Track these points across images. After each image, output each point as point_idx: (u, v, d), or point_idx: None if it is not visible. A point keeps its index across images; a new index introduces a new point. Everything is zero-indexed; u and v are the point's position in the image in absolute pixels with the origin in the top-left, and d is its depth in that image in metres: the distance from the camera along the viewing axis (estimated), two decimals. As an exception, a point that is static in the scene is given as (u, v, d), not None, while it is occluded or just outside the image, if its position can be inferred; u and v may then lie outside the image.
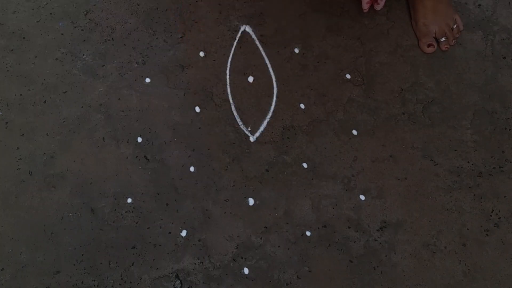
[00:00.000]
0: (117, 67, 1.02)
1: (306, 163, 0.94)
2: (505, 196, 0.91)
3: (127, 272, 0.86)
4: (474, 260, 0.86)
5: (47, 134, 0.96)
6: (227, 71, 1.01)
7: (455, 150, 0.95)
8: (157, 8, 1.08)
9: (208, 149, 0.95)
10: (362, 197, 0.91)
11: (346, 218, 0.90)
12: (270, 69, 1.01)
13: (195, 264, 0.87)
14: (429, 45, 1.01)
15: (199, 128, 0.97)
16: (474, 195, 0.91)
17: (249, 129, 0.97)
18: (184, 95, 1.00)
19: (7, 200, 0.91)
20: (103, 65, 1.02)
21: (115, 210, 0.91)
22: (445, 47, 1.02)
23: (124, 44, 1.04)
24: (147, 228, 0.89)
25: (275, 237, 0.89)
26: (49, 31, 1.06)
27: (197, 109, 0.98)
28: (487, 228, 0.89)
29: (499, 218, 0.89)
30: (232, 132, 0.97)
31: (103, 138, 0.96)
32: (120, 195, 0.92)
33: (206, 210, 0.91)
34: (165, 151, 0.95)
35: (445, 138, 0.96)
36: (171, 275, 0.86)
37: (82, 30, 1.06)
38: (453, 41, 1.02)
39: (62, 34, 1.05)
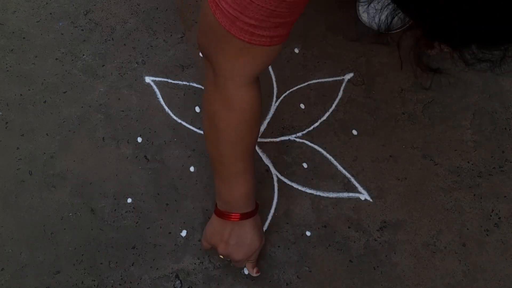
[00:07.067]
0: (117, 67, 1.02)
1: (306, 163, 0.94)
2: (505, 196, 0.91)
3: (127, 272, 0.86)
4: (474, 260, 0.86)
5: (47, 134, 0.96)
6: (227, 71, 1.01)
7: (455, 150, 0.95)
8: (157, 8, 1.08)
9: (208, 149, 0.95)
10: (362, 197, 0.91)
11: (346, 218, 0.90)
12: (270, 69, 1.01)
13: (195, 264, 0.87)
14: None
15: (199, 128, 0.97)
16: (474, 195, 0.91)
17: (249, 129, 0.97)
18: (184, 95, 1.00)
19: (7, 200, 0.91)
20: (103, 65, 1.02)
21: (115, 210, 0.91)
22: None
23: (124, 44, 1.04)
24: (147, 228, 0.89)
25: (275, 237, 0.89)
26: (49, 31, 1.06)
27: (197, 109, 0.98)
28: (487, 228, 0.88)
29: (499, 218, 0.89)
30: (232, 132, 0.97)
31: (103, 138, 0.96)
32: (120, 195, 0.92)
33: (206, 210, 0.91)
34: (165, 151, 0.95)
35: (445, 138, 0.96)
36: (171, 275, 0.86)
37: (82, 30, 1.06)
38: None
39: (62, 34, 1.05)
